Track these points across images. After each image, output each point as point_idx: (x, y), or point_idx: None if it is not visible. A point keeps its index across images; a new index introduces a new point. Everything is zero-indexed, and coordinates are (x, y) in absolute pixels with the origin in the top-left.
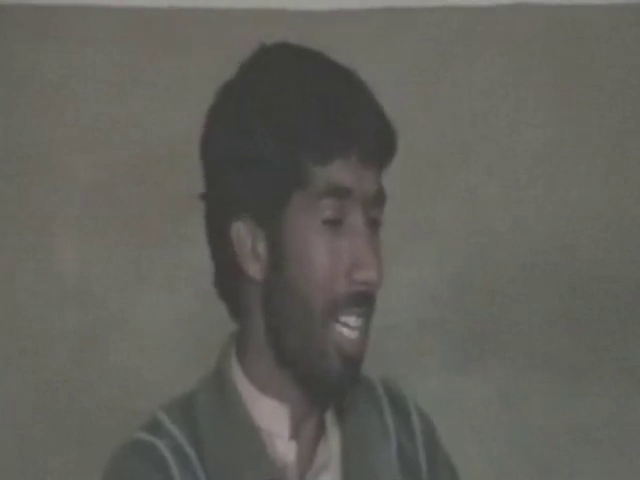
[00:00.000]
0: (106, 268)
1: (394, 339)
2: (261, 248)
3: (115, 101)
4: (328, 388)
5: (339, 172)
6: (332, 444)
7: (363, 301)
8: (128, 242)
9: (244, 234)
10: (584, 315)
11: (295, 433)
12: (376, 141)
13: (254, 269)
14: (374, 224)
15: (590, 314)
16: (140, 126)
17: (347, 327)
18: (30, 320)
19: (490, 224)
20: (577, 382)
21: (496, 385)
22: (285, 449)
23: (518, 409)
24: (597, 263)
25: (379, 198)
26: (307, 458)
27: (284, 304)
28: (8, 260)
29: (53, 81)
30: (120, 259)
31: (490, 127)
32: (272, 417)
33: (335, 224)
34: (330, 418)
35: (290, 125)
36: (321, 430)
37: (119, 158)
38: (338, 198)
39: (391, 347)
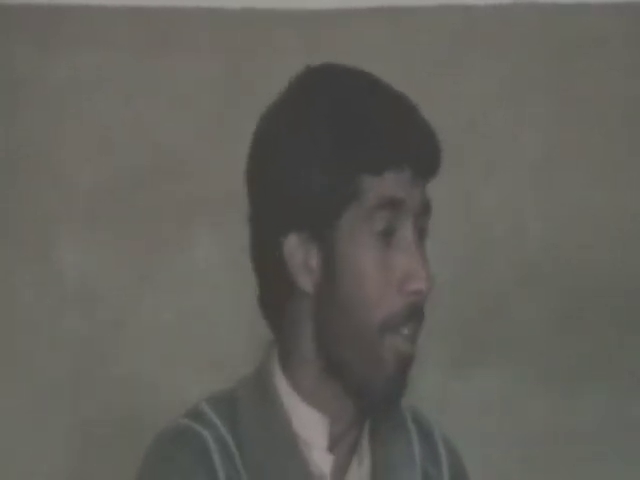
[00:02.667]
0: (108, 271)
1: None
2: (313, 261)
3: (119, 103)
4: (377, 398)
5: (392, 184)
6: (364, 465)
7: (415, 312)
8: (130, 245)
9: (296, 247)
10: (583, 318)
11: (333, 446)
12: (428, 156)
13: (305, 281)
14: (422, 233)
15: (589, 317)
16: (143, 129)
17: (401, 336)
18: (31, 323)
19: (488, 227)
20: (576, 385)
21: (495, 388)
22: (321, 460)
23: (518, 412)
24: (596, 266)
25: (427, 208)
26: (340, 473)
27: (337, 316)
28: (10, 264)
29: (55, 82)
30: (122, 262)
31: (488, 128)
32: (312, 427)
33: (387, 235)
34: (364, 441)
35: (345, 137)
36: (356, 448)
37: (122, 160)
38: (391, 210)
39: None
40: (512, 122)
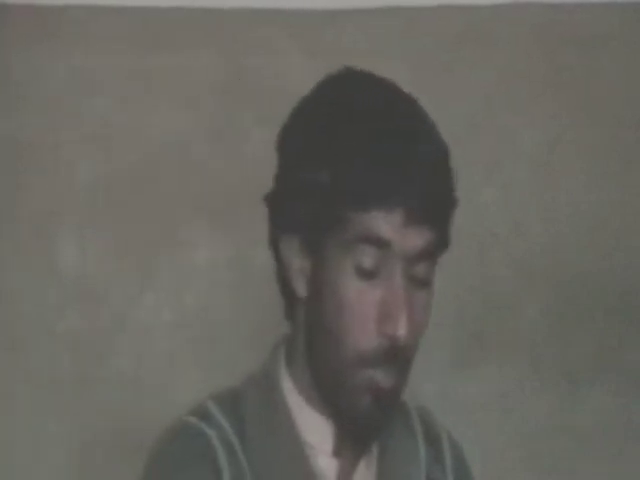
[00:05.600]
0: (108, 271)
1: None
2: (306, 268)
3: (118, 103)
4: (358, 425)
5: (378, 222)
6: (372, 468)
7: (393, 356)
8: (130, 245)
9: (292, 251)
10: (583, 317)
11: (338, 450)
12: (425, 202)
13: (299, 286)
14: (418, 281)
15: (589, 316)
16: (143, 129)
17: (378, 371)
18: (31, 322)
19: (488, 227)
20: (576, 384)
21: (496, 387)
22: (326, 465)
23: (518, 411)
24: (597, 266)
25: (427, 255)
26: (346, 476)
27: (319, 334)
28: (10, 264)
29: (55, 83)
30: (122, 262)
31: (489, 128)
32: (316, 431)
33: (371, 273)
34: (374, 443)
35: (337, 165)
36: (364, 450)
37: (122, 160)
38: (375, 247)
39: None
40: (513, 122)
